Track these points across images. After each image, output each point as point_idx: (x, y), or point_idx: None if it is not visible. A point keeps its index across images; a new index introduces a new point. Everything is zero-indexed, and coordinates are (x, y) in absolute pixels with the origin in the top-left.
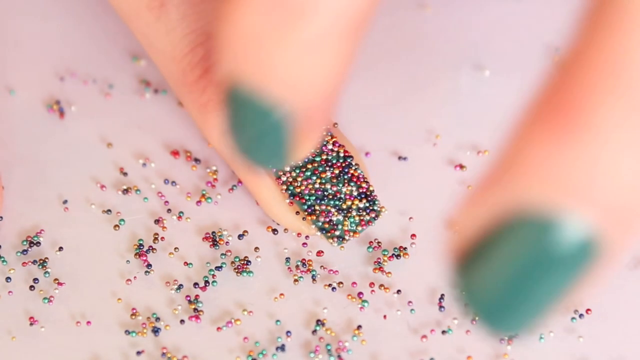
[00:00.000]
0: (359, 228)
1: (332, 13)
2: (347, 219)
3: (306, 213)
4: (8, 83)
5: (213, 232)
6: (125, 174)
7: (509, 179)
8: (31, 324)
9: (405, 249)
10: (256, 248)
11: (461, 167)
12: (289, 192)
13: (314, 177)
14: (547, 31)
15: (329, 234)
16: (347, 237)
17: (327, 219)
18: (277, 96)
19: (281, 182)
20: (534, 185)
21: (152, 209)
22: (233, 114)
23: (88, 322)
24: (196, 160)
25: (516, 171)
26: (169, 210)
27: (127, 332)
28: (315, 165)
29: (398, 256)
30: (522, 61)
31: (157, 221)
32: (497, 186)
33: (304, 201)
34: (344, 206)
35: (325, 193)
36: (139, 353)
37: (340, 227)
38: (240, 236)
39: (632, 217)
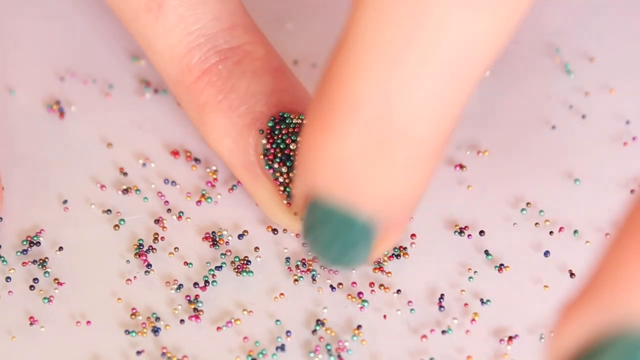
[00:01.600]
0: None
1: (421, 140)
2: None
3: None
4: (8, 83)
5: (213, 232)
6: (125, 174)
7: (607, 295)
8: (31, 324)
9: (405, 249)
10: (256, 248)
11: (461, 167)
12: (287, 193)
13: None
14: (547, 31)
15: None
16: None
17: None
18: (365, 212)
19: (278, 183)
20: (633, 301)
21: (152, 209)
22: (314, 221)
23: (88, 322)
24: (196, 160)
25: (614, 288)
26: (169, 210)
27: (127, 332)
28: None
29: (398, 256)
30: (522, 61)
31: (157, 221)
32: (595, 302)
33: None
34: None
35: None
36: (139, 353)
37: None
38: (240, 236)
39: None
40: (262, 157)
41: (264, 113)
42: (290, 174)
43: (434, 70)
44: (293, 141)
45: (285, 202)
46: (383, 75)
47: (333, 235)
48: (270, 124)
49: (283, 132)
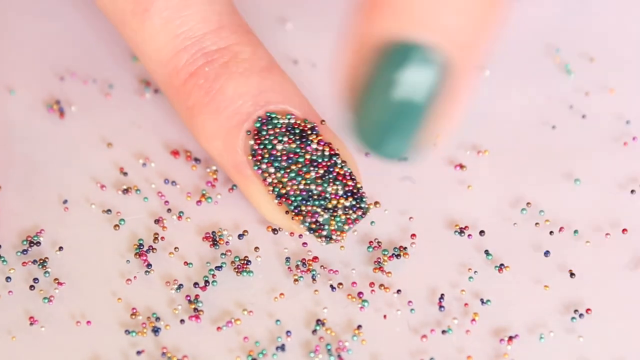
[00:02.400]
0: (346, 227)
1: None
2: (333, 218)
3: (293, 213)
4: (8, 83)
5: (213, 231)
6: (125, 173)
7: (370, 20)
8: (31, 324)
9: (405, 248)
10: (256, 248)
11: (461, 167)
12: (276, 193)
13: (299, 178)
14: (547, 31)
15: (317, 234)
16: (334, 237)
17: (314, 219)
18: (436, 43)
19: (267, 183)
20: (388, 22)
21: (152, 209)
22: (381, 73)
23: (88, 322)
24: (196, 160)
25: (374, 12)
26: (169, 210)
27: (127, 331)
28: (300, 166)
29: (398, 256)
30: (522, 61)
31: (157, 221)
32: (362, 31)
33: (290, 202)
34: (330, 206)
35: (310, 193)
36: (139, 353)
37: (327, 226)
38: (240, 236)
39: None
40: (250, 157)
41: (250, 114)
42: (278, 174)
43: None
44: (279, 142)
45: (276, 201)
46: None
47: (405, 78)
48: (257, 125)
49: (270, 132)
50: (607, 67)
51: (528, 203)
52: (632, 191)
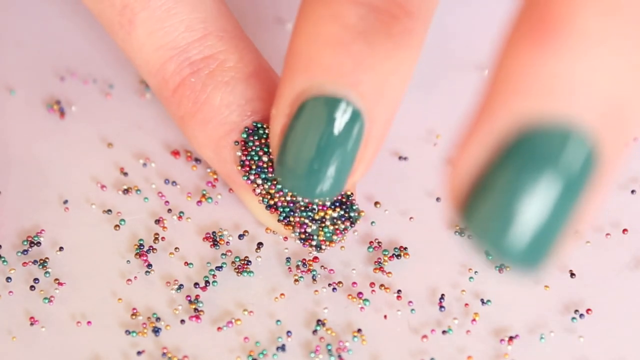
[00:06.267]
0: (335, 237)
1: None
2: (321, 229)
3: (284, 223)
4: (8, 83)
5: (213, 232)
6: (125, 174)
7: (502, 101)
8: (31, 324)
9: (405, 249)
10: (259, 244)
11: None
12: (265, 203)
13: (285, 190)
14: None
15: (307, 243)
16: (323, 247)
17: (303, 230)
18: (357, 98)
19: (256, 193)
20: (525, 102)
21: (152, 209)
22: (306, 125)
23: (88, 322)
24: (196, 160)
25: (507, 91)
26: (169, 210)
27: (128, 332)
28: None
29: (398, 256)
30: None
31: (157, 221)
32: (492, 114)
33: (279, 213)
34: (317, 217)
35: (297, 205)
36: (139, 353)
37: (316, 236)
38: (240, 236)
39: (623, 116)
40: (239, 168)
41: (237, 124)
42: (266, 186)
43: None
44: (265, 153)
45: (267, 210)
46: None
47: (327, 130)
48: (244, 136)
49: (256, 143)
50: None
51: None
52: (632, 191)
